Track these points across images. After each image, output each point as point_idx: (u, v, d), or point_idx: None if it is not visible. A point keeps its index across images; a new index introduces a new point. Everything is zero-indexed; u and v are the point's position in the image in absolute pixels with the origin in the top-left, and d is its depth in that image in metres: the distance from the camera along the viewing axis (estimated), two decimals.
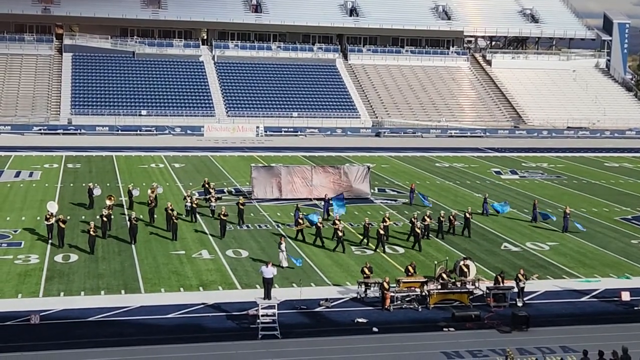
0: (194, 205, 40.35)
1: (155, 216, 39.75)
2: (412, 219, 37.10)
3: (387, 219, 36.75)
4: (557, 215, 42.39)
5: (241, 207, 39.50)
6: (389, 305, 27.32)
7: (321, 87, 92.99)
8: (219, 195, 45.26)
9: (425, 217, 38.19)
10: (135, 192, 43.44)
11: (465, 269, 29.69)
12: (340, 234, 34.91)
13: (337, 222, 36.19)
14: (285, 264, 32.25)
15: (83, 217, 40.27)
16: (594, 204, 48.64)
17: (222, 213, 36.76)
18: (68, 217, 39.17)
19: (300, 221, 37.48)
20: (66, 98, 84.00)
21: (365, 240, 36.15)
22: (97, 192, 43.42)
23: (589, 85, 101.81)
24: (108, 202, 39.73)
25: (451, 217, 39.55)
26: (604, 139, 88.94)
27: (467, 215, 39.31)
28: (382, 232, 35.35)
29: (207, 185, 45.40)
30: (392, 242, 36.63)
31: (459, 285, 28.53)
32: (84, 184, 49.56)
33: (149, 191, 42.20)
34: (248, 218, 40.97)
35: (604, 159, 70.63)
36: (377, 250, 35.13)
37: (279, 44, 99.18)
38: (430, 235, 37.75)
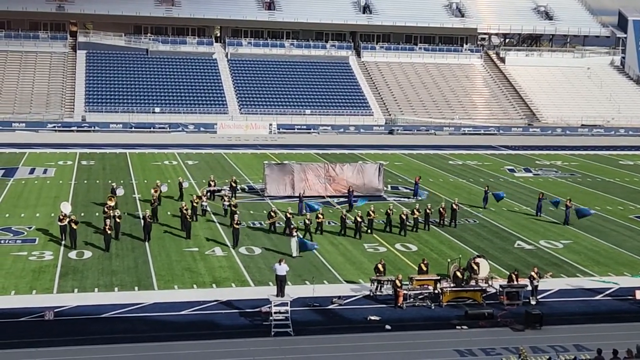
0: (195, 205, 39.88)
1: (168, 213, 39.78)
2: (388, 210, 38.70)
3: (371, 212, 38.10)
4: (560, 209, 42.34)
5: (233, 208, 38.90)
6: (401, 302, 27.32)
7: (334, 85, 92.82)
8: (217, 189, 45.09)
9: (415, 210, 38.90)
10: (185, 184, 45.40)
11: (475, 267, 29.61)
12: (307, 222, 36.29)
13: (319, 215, 37.86)
14: (295, 253, 32.46)
15: (97, 214, 40.41)
16: (608, 202, 48.37)
17: (235, 222, 35.78)
18: (82, 214, 39.42)
19: (273, 214, 38.10)
20: (80, 95, 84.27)
21: (343, 232, 37.47)
22: (120, 192, 43.19)
23: (603, 83, 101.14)
24: (110, 203, 39.07)
25: (441, 209, 40.18)
26: (619, 136, 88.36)
27: (454, 206, 40.29)
28: (359, 219, 36.84)
29: (233, 184, 45.94)
30: (377, 234, 37.72)
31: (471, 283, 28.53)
32: (97, 181, 49.86)
33: (152, 190, 42.18)
34: (261, 215, 41.02)
35: (618, 157, 70.20)
36: (356, 237, 36.67)
37: (292, 42, 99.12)
38: (418, 228, 38.58)
